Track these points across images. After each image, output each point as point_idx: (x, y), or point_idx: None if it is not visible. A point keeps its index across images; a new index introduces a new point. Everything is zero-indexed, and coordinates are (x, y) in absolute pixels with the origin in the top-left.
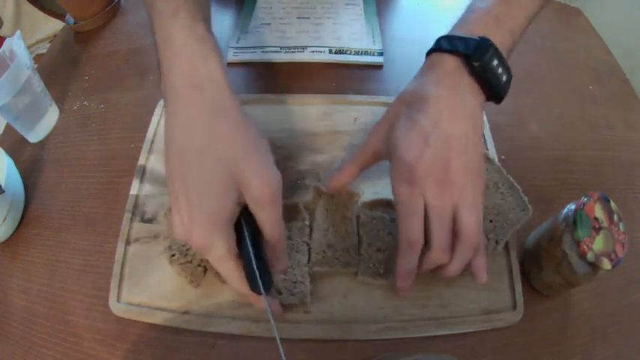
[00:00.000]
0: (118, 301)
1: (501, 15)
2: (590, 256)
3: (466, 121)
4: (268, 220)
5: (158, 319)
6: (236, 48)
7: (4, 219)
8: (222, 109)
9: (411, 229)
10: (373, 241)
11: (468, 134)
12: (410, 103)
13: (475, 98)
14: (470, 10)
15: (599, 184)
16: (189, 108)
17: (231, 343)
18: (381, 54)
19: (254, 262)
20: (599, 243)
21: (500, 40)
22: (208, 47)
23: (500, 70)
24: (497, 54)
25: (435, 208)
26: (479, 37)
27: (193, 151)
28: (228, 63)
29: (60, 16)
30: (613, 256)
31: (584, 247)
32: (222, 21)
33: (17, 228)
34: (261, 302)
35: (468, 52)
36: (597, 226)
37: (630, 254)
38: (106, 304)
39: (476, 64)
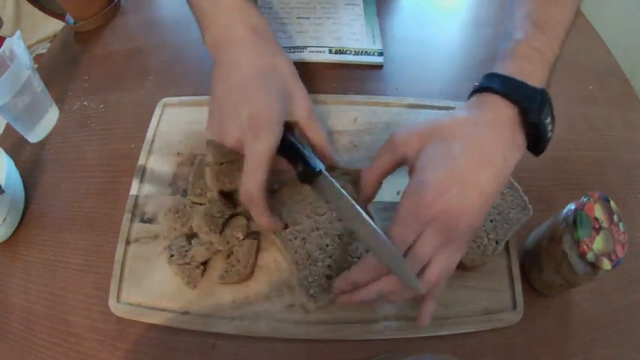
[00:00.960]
0: (118, 301)
1: (543, 47)
2: (590, 256)
3: (498, 178)
4: (314, 124)
5: (158, 319)
6: None
7: (4, 219)
8: (277, 47)
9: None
10: (335, 264)
11: (493, 193)
12: (454, 132)
13: (518, 152)
14: (511, 40)
15: (599, 184)
16: (252, 42)
17: (231, 343)
18: (381, 54)
19: (302, 147)
20: (599, 243)
21: (545, 76)
22: (253, 7)
23: (550, 127)
24: (551, 109)
25: (422, 247)
26: (540, 89)
27: (259, 70)
28: None
29: (60, 16)
30: (613, 256)
31: (584, 247)
32: None
33: (17, 228)
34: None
35: (529, 107)
36: (597, 226)
37: (630, 254)
38: (106, 304)
39: (533, 120)
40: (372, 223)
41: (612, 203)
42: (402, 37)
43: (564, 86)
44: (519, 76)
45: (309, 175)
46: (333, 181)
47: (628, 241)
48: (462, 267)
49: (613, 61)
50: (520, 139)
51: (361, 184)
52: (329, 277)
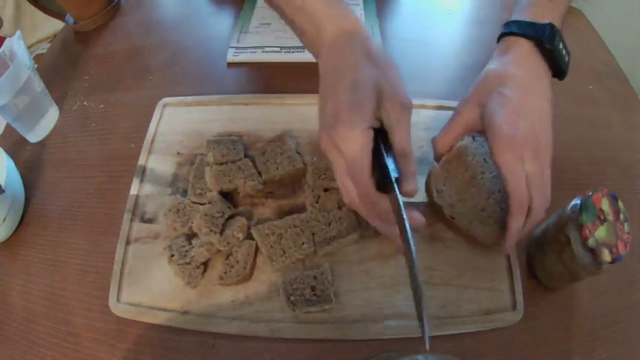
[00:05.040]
0: (118, 301)
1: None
2: (591, 241)
3: (543, 96)
4: (400, 127)
5: (158, 319)
6: (236, 48)
7: (4, 219)
8: (367, 45)
9: (521, 189)
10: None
11: (548, 109)
12: (498, 81)
13: (547, 76)
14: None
15: (599, 184)
16: (344, 43)
17: (230, 343)
18: None
19: (385, 155)
20: (601, 232)
21: (555, 19)
22: (348, 10)
23: (564, 52)
24: (562, 38)
25: (533, 173)
26: (548, 22)
27: (347, 66)
28: (228, 63)
29: (60, 16)
30: (614, 250)
31: (587, 231)
32: (222, 21)
33: (17, 228)
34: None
35: (542, 38)
36: (602, 217)
37: (631, 254)
38: (106, 304)
39: (548, 47)
40: (415, 256)
41: (620, 203)
42: (402, 37)
43: (564, 86)
44: (531, 19)
45: (382, 185)
46: (399, 197)
47: (630, 242)
48: (474, 240)
49: (613, 61)
50: (543, 67)
51: (435, 147)
52: (313, 289)
